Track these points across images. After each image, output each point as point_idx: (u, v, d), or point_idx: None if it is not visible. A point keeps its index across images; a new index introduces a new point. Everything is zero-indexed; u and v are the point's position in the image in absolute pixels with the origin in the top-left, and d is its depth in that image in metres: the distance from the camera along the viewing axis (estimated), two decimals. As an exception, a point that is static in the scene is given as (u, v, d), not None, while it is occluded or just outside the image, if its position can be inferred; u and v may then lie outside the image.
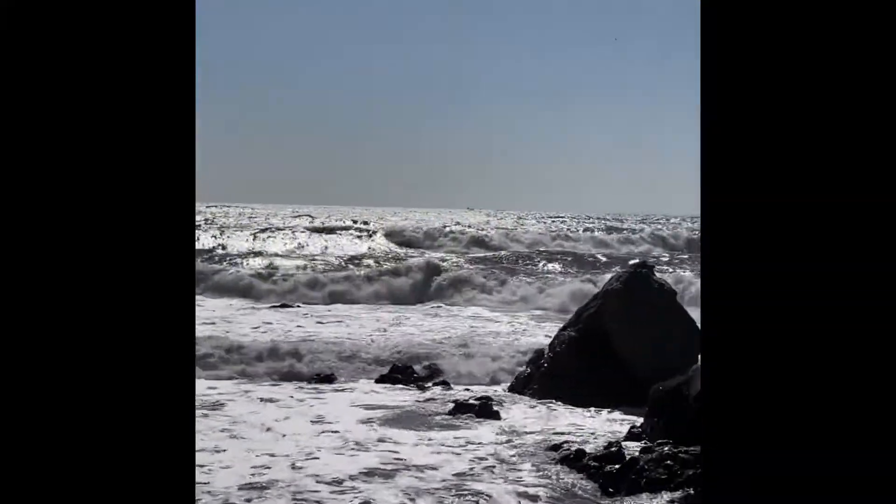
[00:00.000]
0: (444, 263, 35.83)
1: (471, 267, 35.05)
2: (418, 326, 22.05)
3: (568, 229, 64.31)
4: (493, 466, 9.63)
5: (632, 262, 19.41)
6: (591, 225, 75.12)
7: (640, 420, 11.39)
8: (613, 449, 9.97)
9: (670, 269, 34.85)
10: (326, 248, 44.83)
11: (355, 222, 62.48)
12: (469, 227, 59.81)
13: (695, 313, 17.34)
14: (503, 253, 41.75)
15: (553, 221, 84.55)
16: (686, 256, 41.21)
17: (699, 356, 14.66)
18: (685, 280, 29.83)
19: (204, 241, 41.35)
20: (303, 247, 45.29)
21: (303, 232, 51.82)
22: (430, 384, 14.75)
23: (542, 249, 44.02)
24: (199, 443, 9.00)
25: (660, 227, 71.16)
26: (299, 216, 75.10)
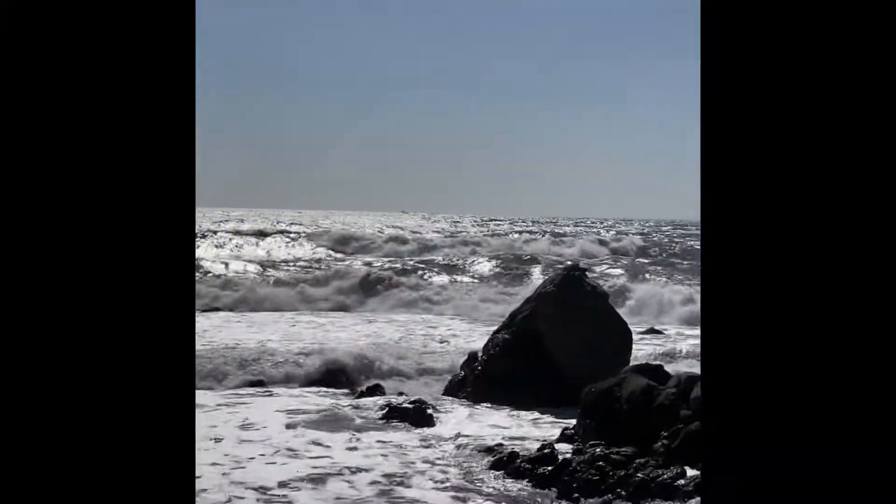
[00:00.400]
0: (378, 267, 35.69)
1: (405, 270, 34.96)
2: (351, 331, 21.86)
3: (504, 233, 64.65)
4: (426, 471, 9.52)
5: (567, 263, 19.51)
6: (526, 227, 75.61)
7: (572, 422, 11.39)
8: (546, 451, 9.94)
9: (607, 269, 35.23)
10: (259, 251, 44.32)
11: (288, 226, 61.91)
12: (403, 229, 59.73)
13: (628, 317, 17.48)
14: (439, 256, 41.72)
15: (488, 224, 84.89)
16: (625, 261, 41.61)
17: (631, 358, 14.77)
18: (618, 282, 30.13)
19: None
20: (234, 250, 44.73)
21: (233, 236, 51.16)
22: (362, 388, 14.59)
23: (477, 252, 44.10)
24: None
25: (596, 230, 71.96)
26: (228, 220, 74.20)
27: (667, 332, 22.23)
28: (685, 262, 40.17)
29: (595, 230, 72.73)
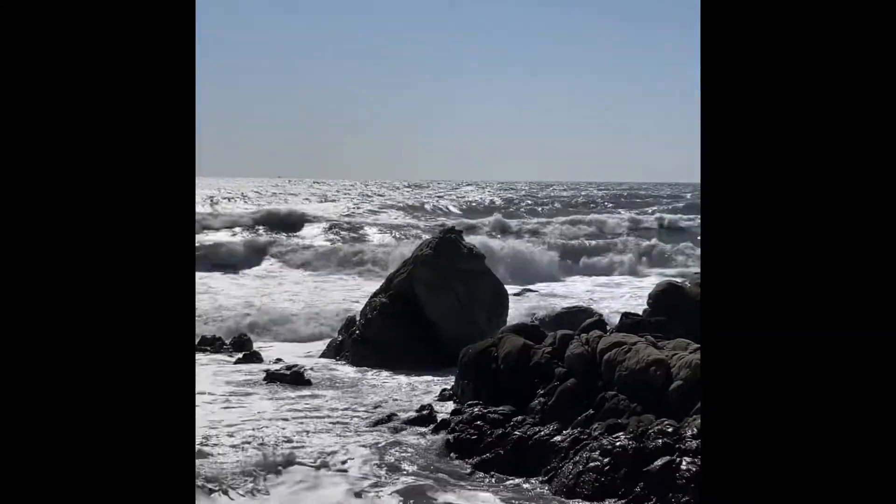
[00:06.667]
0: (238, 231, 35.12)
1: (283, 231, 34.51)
2: (224, 294, 21.48)
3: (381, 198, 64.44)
4: (304, 433, 9.49)
5: (442, 228, 19.61)
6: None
7: (451, 382, 11.55)
8: (425, 412, 10.06)
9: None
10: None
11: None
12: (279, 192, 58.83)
13: (501, 276, 17.75)
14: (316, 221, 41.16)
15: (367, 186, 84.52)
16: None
17: (507, 318, 15.03)
18: (493, 245, 30.53)
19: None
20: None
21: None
22: (240, 355, 14.38)
23: (354, 217, 43.80)
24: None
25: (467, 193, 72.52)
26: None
27: (541, 291, 22.71)
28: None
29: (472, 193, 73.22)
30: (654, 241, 34.46)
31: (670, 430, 7.86)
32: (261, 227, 37.27)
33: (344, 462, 8.59)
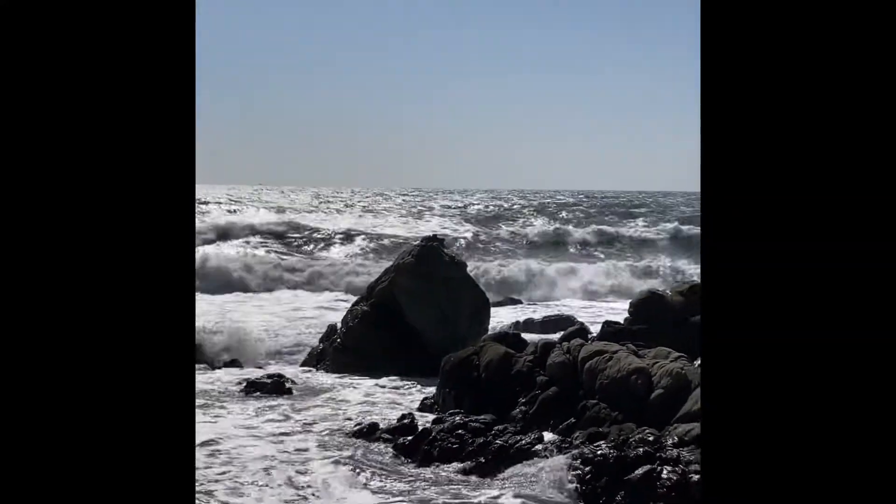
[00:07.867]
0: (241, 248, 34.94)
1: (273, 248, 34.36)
2: (210, 305, 21.37)
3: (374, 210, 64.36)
4: (284, 442, 9.43)
5: (424, 236, 19.60)
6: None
7: (432, 391, 11.51)
8: (406, 421, 10.01)
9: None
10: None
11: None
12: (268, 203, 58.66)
13: (483, 285, 17.73)
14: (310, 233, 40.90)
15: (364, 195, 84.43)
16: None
17: (489, 326, 15.01)
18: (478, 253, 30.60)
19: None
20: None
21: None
22: (220, 364, 14.29)
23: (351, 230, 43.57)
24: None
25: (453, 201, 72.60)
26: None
27: (523, 300, 22.73)
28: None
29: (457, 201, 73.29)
30: (654, 254, 34.56)
31: (651, 438, 7.85)
32: (233, 239, 37.01)
33: (324, 472, 8.54)
